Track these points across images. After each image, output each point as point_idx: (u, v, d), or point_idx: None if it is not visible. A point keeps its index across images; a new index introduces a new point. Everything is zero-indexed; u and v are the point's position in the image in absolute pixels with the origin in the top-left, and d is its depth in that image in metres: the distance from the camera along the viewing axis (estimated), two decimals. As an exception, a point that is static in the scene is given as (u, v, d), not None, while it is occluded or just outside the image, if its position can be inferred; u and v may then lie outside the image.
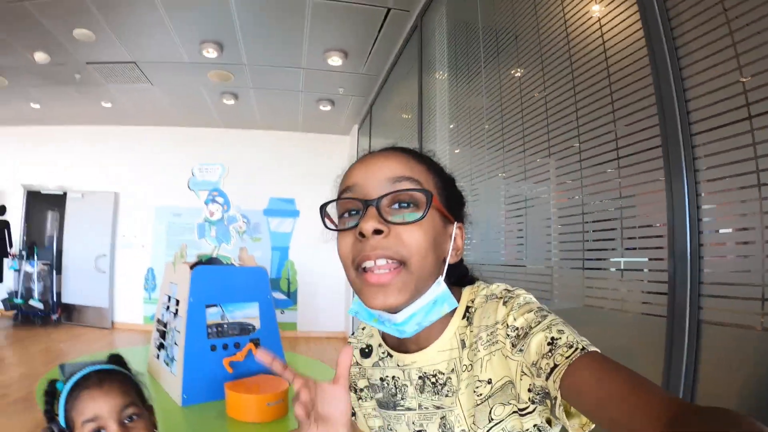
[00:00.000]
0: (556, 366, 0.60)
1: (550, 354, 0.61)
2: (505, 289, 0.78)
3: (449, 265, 0.79)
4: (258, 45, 4.74)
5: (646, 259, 1.42)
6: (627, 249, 1.46)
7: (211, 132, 7.94)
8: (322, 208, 0.78)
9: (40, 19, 4.24)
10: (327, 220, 0.79)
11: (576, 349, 0.60)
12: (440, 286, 0.77)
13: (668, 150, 1.24)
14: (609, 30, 1.54)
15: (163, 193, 7.85)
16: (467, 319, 0.80)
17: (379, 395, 0.91)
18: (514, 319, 0.70)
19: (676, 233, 1.21)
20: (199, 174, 7.80)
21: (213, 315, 4.49)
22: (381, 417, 0.92)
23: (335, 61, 4.95)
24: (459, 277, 0.87)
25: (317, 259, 7.62)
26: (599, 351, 0.61)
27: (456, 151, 3.10)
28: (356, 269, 0.74)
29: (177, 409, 3.91)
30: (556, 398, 0.59)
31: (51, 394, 1.01)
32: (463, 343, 0.78)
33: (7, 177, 8.09)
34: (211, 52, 4.80)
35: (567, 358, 0.59)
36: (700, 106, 1.19)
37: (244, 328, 4.72)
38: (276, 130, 7.95)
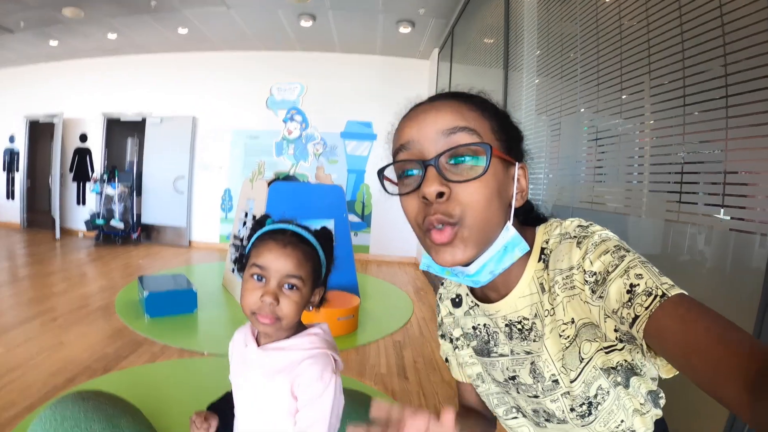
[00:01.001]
0: (637, 317, 0.57)
1: (629, 303, 0.59)
2: (579, 226, 0.74)
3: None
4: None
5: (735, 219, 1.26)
6: (727, 204, 1.29)
7: (288, 55, 7.86)
8: (380, 173, 0.78)
9: None
10: (387, 182, 0.79)
11: (655, 296, 0.57)
12: (509, 232, 0.74)
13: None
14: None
15: (241, 116, 7.98)
16: (543, 262, 0.77)
17: (474, 343, 0.93)
18: (591, 263, 0.66)
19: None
20: (277, 93, 7.85)
21: (289, 230, 4.59)
22: (479, 363, 0.93)
23: (417, -24, 4.66)
24: (525, 215, 0.85)
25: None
26: (683, 293, 0.57)
27: (535, 81, 2.88)
28: (423, 230, 0.73)
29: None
30: (642, 345, 0.59)
31: (259, 224, 1.13)
32: (542, 287, 0.77)
33: (87, 106, 8.50)
34: (288, -30, 4.63)
35: (647, 308, 0.57)
36: None
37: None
38: (354, 54, 7.75)
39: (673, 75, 1.54)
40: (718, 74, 1.32)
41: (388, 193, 0.78)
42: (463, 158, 0.70)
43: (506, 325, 0.83)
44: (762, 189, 1.23)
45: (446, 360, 1.05)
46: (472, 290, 0.91)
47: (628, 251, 0.64)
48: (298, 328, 1.12)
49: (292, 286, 1.02)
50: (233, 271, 4.98)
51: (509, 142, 0.76)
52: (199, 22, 6.54)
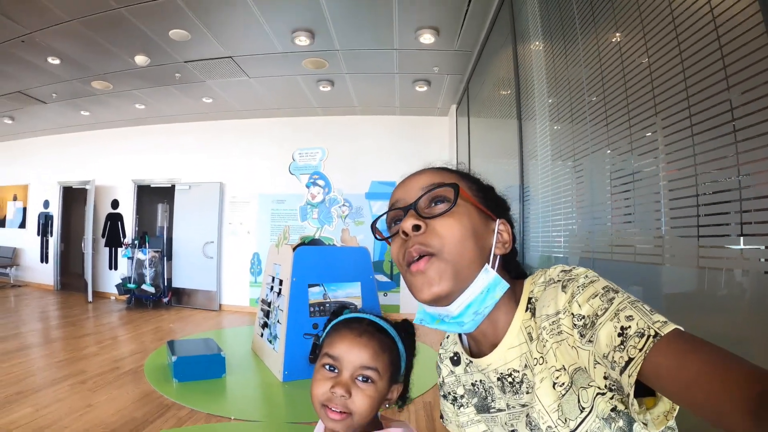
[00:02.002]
0: (630, 360, 0.56)
1: (622, 346, 0.58)
2: (562, 271, 0.75)
3: (505, 259, 0.84)
4: (349, 29, 4.75)
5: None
6: (746, 224, 1.25)
7: (310, 120, 8.14)
8: (373, 225, 0.89)
9: (136, 23, 4.56)
10: (378, 234, 0.89)
11: (648, 337, 0.56)
12: (489, 273, 0.78)
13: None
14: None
15: (266, 181, 8.22)
16: (530, 311, 0.79)
17: (475, 400, 0.93)
18: (579, 306, 0.66)
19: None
20: (299, 158, 8.08)
21: (315, 294, 4.60)
22: (482, 421, 0.93)
23: (427, 39, 4.84)
24: (516, 271, 0.89)
25: (419, 242, 7.53)
26: (677, 328, 0.57)
27: (555, 127, 2.90)
28: (405, 266, 0.80)
29: (278, 384, 4.08)
30: (629, 395, 0.57)
31: (335, 314, 1.07)
32: (530, 336, 0.78)
33: (118, 173, 8.94)
34: (303, 41, 4.88)
35: (641, 350, 0.56)
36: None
37: (346, 307, 4.77)
38: (374, 115, 7.98)
39: (679, 105, 1.54)
40: (723, 100, 1.32)
41: (378, 239, 0.90)
42: (438, 201, 0.81)
43: (498, 379, 0.84)
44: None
45: (441, 417, 1.05)
46: (468, 346, 0.93)
47: (617, 292, 0.65)
48: (374, 426, 1.00)
49: (366, 379, 0.93)
50: (261, 335, 4.98)
51: (488, 202, 0.86)
52: (223, 92, 6.86)
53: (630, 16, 1.87)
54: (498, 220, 0.84)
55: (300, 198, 8.01)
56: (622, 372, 0.57)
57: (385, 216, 0.89)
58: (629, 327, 0.58)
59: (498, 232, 0.83)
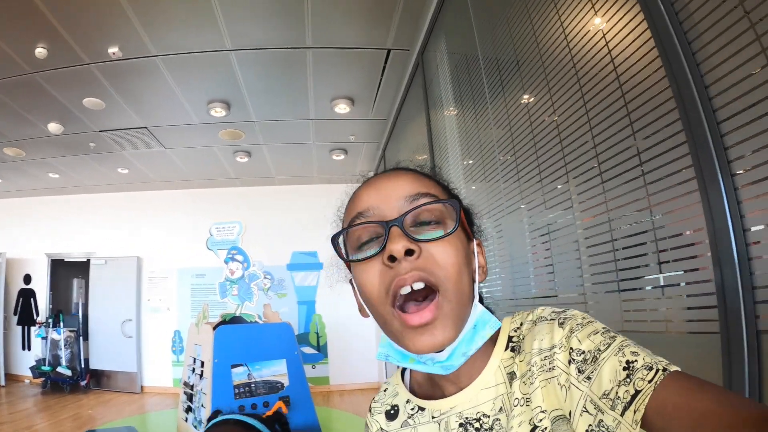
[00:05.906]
0: (638, 392, 0.52)
1: (628, 380, 0.53)
2: (554, 311, 0.68)
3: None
4: (264, 101, 4.81)
5: (684, 272, 1.27)
6: (663, 263, 1.30)
7: (228, 191, 8.05)
8: (335, 240, 0.71)
9: (50, 90, 4.41)
10: (342, 255, 0.71)
11: (657, 371, 0.52)
12: (477, 308, 0.68)
13: (698, 154, 1.12)
14: (614, 40, 1.44)
15: (185, 254, 7.94)
16: (512, 350, 0.70)
17: None
18: (579, 341, 0.60)
19: (718, 240, 1.08)
20: (217, 233, 7.89)
21: (239, 375, 4.37)
22: None
23: (342, 108, 4.97)
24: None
25: (345, 311, 7.42)
26: (680, 369, 0.53)
27: (473, 188, 3.01)
28: (392, 304, 0.64)
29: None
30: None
31: (209, 420, 1.24)
32: (511, 375, 0.68)
33: (30, 246, 8.33)
34: (219, 112, 4.88)
35: (650, 382, 0.51)
36: (727, 102, 1.07)
37: (272, 387, 4.57)
38: (293, 185, 8.01)
39: (587, 154, 1.64)
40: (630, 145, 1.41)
41: (346, 260, 0.71)
42: (427, 222, 0.66)
43: (460, 425, 0.70)
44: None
45: None
46: (414, 392, 0.81)
47: (617, 333, 0.60)
48: None
49: None
50: (185, 420, 4.63)
51: (467, 217, 0.75)
52: (139, 163, 6.70)
53: (536, 78, 2.01)
54: (474, 240, 0.74)
55: (220, 273, 7.76)
56: (625, 409, 0.52)
57: (345, 231, 0.71)
58: (636, 361, 0.54)
59: (477, 254, 0.72)
